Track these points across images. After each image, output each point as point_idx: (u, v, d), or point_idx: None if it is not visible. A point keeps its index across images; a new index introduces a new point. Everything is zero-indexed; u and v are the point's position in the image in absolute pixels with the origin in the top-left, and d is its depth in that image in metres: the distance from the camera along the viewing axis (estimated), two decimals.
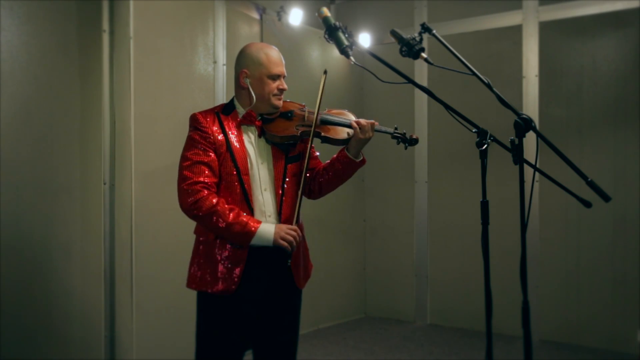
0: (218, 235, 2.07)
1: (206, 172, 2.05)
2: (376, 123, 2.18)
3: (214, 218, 2.01)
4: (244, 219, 2.02)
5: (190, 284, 2.16)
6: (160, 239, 3.35)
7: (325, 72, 2.17)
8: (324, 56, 4.70)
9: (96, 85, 3.21)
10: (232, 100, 2.22)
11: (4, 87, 2.80)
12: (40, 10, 2.97)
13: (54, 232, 3.04)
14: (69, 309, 3.10)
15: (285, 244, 2.03)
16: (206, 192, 2.03)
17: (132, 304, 3.21)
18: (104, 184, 3.21)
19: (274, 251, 2.13)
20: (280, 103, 2.18)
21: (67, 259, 3.10)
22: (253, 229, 2.01)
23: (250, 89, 2.13)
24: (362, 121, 2.15)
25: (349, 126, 2.18)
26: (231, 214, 2.01)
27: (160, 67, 3.39)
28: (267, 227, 2.04)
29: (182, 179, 2.06)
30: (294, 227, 2.08)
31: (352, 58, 1.90)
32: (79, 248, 3.15)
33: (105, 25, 3.24)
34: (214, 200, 2.02)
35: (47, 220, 3.01)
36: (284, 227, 2.06)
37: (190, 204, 2.02)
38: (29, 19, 2.92)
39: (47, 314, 3.00)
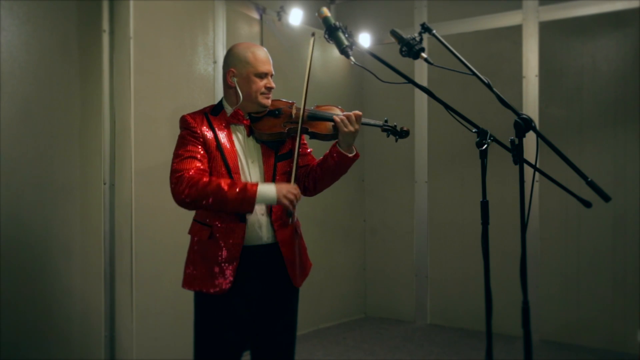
0: (220, 210, 2.04)
1: (197, 164, 2.05)
2: (360, 114, 2.13)
3: (210, 199, 1.98)
4: (240, 186, 2.00)
5: (186, 284, 2.16)
6: (160, 239, 3.35)
7: (313, 35, 2.11)
8: (324, 56, 4.70)
9: (96, 85, 3.21)
10: (220, 101, 2.23)
11: (4, 87, 2.80)
12: (40, 10, 2.97)
13: (54, 232, 3.04)
14: (69, 309, 3.10)
15: (287, 202, 2.03)
16: (195, 174, 2.01)
17: (132, 304, 3.21)
18: (104, 184, 3.21)
19: (268, 250, 2.14)
20: (268, 102, 2.18)
21: (67, 259, 3.10)
22: (252, 193, 1.99)
23: (237, 88, 2.14)
24: (345, 114, 2.12)
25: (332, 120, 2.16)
26: (226, 186, 1.98)
27: (160, 67, 3.39)
28: (267, 187, 2.03)
29: (172, 172, 2.06)
30: (294, 185, 2.08)
31: (352, 58, 1.89)
32: (79, 248, 3.15)
33: (105, 25, 3.24)
34: (205, 179, 2.01)
35: (47, 220, 3.01)
36: (285, 186, 2.06)
37: (182, 189, 1.99)
38: (29, 19, 2.92)
39: (47, 313, 3.00)
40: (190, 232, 2.19)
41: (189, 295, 2.22)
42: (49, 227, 3.02)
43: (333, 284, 4.77)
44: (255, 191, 1.99)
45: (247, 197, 1.98)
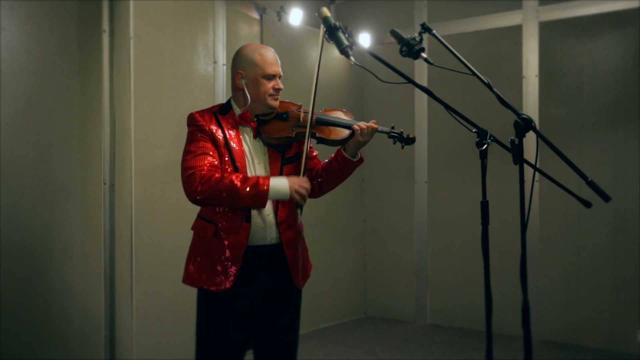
0: (233, 206, 2.04)
1: (209, 160, 2.04)
2: (377, 127, 2.17)
3: (223, 195, 1.98)
4: (253, 182, 1.99)
5: (187, 280, 2.17)
6: (160, 239, 3.35)
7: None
8: (324, 56, 4.69)
9: (96, 85, 3.21)
10: (229, 101, 2.23)
11: (4, 87, 2.80)
12: (40, 10, 2.97)
13: (54, 232, 3.04)
14: (69, 309, 3.10)
15: (298, 198, 2.03)
16: (207, 171, 2.01)
17: (132, 304, 3.21)
18: (104, 184, 3.21)
19: (271, 251, 2.14)
20: (276, 103, 2.18)
21: (67, 259, 3.10)
22: (265, 188, 1.98)
23: (245, 90, 2.14)
24: (363, 124, 2.14)
25: (348, 127, 2.17)
26: (238, 183, 1.98)
27: (160, 67, 3.39)
28: (280, 182, 2.02)
29: (184, 170, 2.05)
30: (305, 179, 2.08)
31: (352, 58, 1.89)
32: (79, 248, 3.15)
33: (105, 25, 3.24)
34: (217, 175, 2.00)
35: (47, 220, 3.01)
36: (296, 180, 2.05)
37: (195, 187, 1.99)
38: (29, 19, 2.92)
39: (47, 313, 3.00)
40: (194, 228, 2.19)
41: (190, 294, 2.22)
42: (49, 227, 3.02)
43: (333, 284, 4.77)
44: (268, 186, 1.99)
45: (260, 194, 1.98)
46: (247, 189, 1.97)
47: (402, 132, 2.25)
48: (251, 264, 2.10)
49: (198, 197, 2.00)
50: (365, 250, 5.15)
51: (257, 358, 2.24)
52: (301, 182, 2.05)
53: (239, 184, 1.98)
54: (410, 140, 2.26)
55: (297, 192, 2.02)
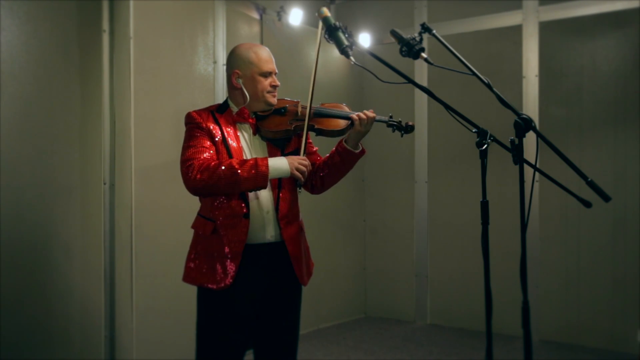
0: (234, 191, 2.04)
1: (207, 154, 2.06)
2: (375, 115, 2.17)
3: (223, 180, 1.98)
4: (251, 162, 2.00)
5: (187, 278, 2.17)
6: (160, 239, 3.35)
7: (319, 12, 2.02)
8: (324, 56, 4.70)
9: (96, 85, 3.21)
10: (226, 100, 2.24)
11: (4, 87, 2.80)
12: (40, 10, 2.97)
13: (54, 232, 3.04)
14: (69, 309, 3.10)
15: (299, 174, 2.05)
16: (204, 161, 2.02)
17: (132, 304, 3.21)
18: (104, 184, 3.21)
19: (272, 249, 2.14)
20: (274, 100, 2.20)
21: (67, 259, 3.10)
22: (264, 167, 2.00)
23: (244, 89, 2.15)
24: (361, 114, 2.14)
25: (346, 118, 2.17)
26: (237, 165, 1.99)
27: (160, 67, 3.39)
28: (279, 160, 2.05)
29: (182, 162, 2.06)
30: (303, 157, 2.10)
31: (352, 58, 1.89)
32: (79, 248, 3.15)
33: (105, 25, 3.24)
34: (213, 163, 2.01)
35: (47, 220, 3.01)
36: (295, 158, 2.07)
37: (194, 175, 1.99)
38: (29, 19, 2.92)
39: (47, 313, 3.00)
40: (194, 226, 2.20)
41: (190, 294, 2.22)
42: (49, 227, 3.02)
43: (333, 284, 4.77)
44: (267, 166, 2.00)
45: (260, 173, 1.99)
46: (247, 171, 1.98)
47: (400, 121, 2.26)
48: (251, 262, 2.10)
49: (198, 186, 2.00)
50: (365, 250, 5.15)
51: (257, 357, 2.24)
52: (300, 159, 2.07)
53: (237, 166, 1.99)
54: (409, 128, 2.26)
55: (297, 168, 2.05)
